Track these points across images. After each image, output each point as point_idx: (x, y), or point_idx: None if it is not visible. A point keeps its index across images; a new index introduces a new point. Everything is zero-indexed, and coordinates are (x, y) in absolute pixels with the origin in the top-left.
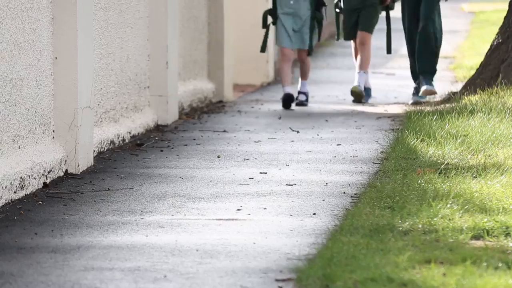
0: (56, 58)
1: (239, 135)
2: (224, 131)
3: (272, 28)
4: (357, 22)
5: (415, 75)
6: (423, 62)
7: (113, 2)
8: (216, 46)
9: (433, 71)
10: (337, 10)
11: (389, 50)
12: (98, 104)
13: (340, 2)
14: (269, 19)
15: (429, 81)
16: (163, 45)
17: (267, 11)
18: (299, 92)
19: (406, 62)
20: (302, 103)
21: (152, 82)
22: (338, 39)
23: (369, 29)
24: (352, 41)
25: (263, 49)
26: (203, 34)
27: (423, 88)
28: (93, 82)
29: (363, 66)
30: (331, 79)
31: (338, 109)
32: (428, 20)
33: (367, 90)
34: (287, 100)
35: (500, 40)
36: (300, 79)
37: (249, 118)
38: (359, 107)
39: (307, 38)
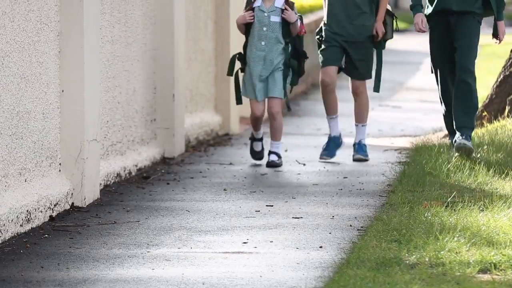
0: (62, 91)
1: (245, 168)
2: (231, 163)
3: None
4: (340, 54)
5: (451, 129)
6: (461, 118)
7: (120, 35)
8: (223, 78)
9: (472, 127)
10: (319, 38)
11: (376, 89)
12: (105, 137)
13: (322, 28)
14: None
15: (468, 137)
16: (170, 78)
17: (235, 56)
18: (270, 152)
19: (412, 95)
20: (274, 164)
21: (159, 114)
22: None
23: (366, 75)
24: (323, 69)
25: (239, 100)
26: (210, 66)
27: (459, 142)
28: (99, 115)
29: (362, 119)
30: (339, 111)
31: (344, 142)
32: (467, 72)
33: (335, 139)
34: (255, 156)
35: (507, 73)
36: (270, 140)
37: None
38: (365, 140)
39: (280, 86)
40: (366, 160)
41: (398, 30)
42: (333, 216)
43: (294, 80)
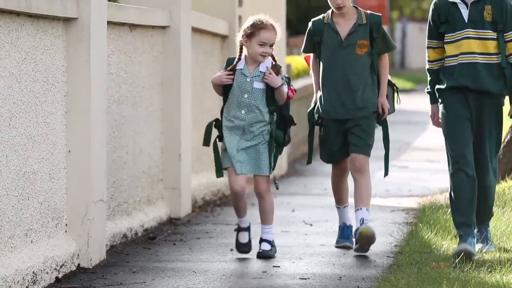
0: (69, 151)
1: (252, 228)
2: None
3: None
4: (344, 141)
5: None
6: (483, 217)
7: (127, 95)
8: None
9: (491, 216)
10: (313, 119)
11: (386, 173)
12: (111, 198)
13: (319, 108)
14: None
15: (488, 227)
16: (177, 138)
17: (211, 123)
18: (261, 240)
19: (418, 155)
20: (266, 254)
21: (165, 174)
22: (309, 162)
23: (367, 150)
24: (332, 165)
25: (219, 173)
26: None
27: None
28: (106, 175)
29: (365, 202)
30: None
31: (351, 202)
32: (485, 170)
33: (348, 228)
34: (241, 248)
35: None
36: (261, 224)
37: None
38: (372, 200)
39: (265, 161)
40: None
41: (399, 103)
42: (340, 277)
43: (278, 152)
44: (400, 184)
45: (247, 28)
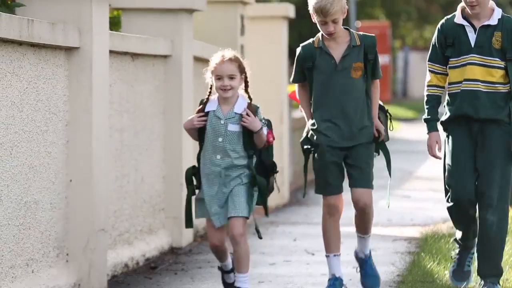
0: (70, 180)
1: (253, 257)
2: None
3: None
4: (340, 171)
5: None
6: (485, 264)
7: (129, 124)
8: None
9: (498, 273)
10: (307, 147)
11: (388, 204)
12: (113, 227)
13: (313, 135)
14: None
15: (495, 285)
16: (178, 167)
17: (190, 170)
18: None
19: (421, 184)
20: None
21: (167, 204)
22: (305, 195)
23: (370, 183)
24: (326, 198)
25: (188, 223)
26: None
27: None
28: (107, 205)
29: (367, 230)
30: (346, 200)
31: (353, 232)
32: (489, 207)
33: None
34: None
35: None
36: (235, 271)
37: (264, 240)
38: (375, 229)
39: (242, 202)
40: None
41: (392, 130)
42: None
43: (259, 199)
44: (402, 213)
45: (209, 64)
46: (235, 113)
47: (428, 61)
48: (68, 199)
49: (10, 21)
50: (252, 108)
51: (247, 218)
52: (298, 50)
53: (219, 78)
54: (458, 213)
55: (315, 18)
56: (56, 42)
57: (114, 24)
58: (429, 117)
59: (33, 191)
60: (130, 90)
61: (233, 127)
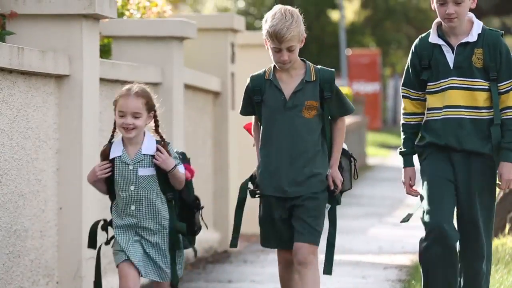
0: (60, 208)
1: (244, 286)
2: (230, 281)
3: None
4: (289, 223)
5: None
6: None
7: None
8: (221, 195)
9: None
10: (248, 188)
11: (329, 270)
12: (103, 255)
13: (258, 179)
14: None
15: None
16: None
17: (96, 224)
18: None
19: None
20: None
21: None
22: (234, 244)
23: (314, 238)
24: (277, 256)
25: (97, 286)
26: (208, 183)
27: None
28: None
29: None
30: (337, 228)
31: (344, 259)
32: (479, 253)
33: None
34: None
35: (507, 191)
36: None
37: (255, 268)
38: (365, 257)
39: (164, 265)
40: None
41: (357, 179)
42: None
43: (186, 246)
44: (393, 241)
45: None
46: (144, 154)
47: (402, 86)
48: (58, 227)
49: (0, 49)
50: (165, 145)
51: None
52: (247, 81)
53: (122, 115)
54: (436, 257)
55: (268, 44)
56: (46, 70)
57: (105, 51)
58: (404, 150)
59: (22, 219)
60: None
61: (145, 171)
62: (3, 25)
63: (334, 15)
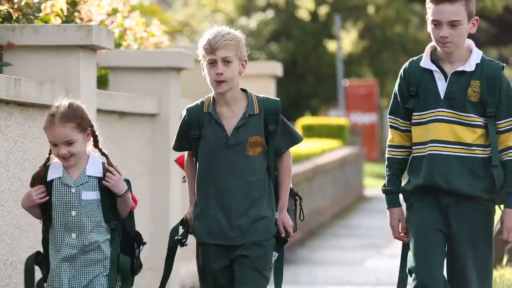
0: None
1: None
2: None
3: None
4: (232, 276)
5: None
6: None
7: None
8: None
9: None
10: (179, 238)
11: None
12: None
13: (194, 224)
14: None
15: None
16: (165, 225)
17: (32, 258)
18: None
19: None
20: None
21: (154, 263)
22: None
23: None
24: None
25: None
26: None
27: None
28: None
29: None
30: (335, 260)
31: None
32: None
33: None
34: None
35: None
36: None
37: None
38: None
39: None
40: None
41: (303, 220)
42: None
43: (126, 286)
44: (390, 272)
45: None
46: (89, 176)
47: (389, 114)
48: None
49: None
50: (111, 165)
51: None
52: (183, 113)
53: (54, 145)
54: None
55: (203, 62)
56: (43, 101)
57: (102, 82)
58: (389, 188)
59: (19, 251)
60: (117, 149)
61: (89, 195)
62: (0, 56)
63: (331, 45)
